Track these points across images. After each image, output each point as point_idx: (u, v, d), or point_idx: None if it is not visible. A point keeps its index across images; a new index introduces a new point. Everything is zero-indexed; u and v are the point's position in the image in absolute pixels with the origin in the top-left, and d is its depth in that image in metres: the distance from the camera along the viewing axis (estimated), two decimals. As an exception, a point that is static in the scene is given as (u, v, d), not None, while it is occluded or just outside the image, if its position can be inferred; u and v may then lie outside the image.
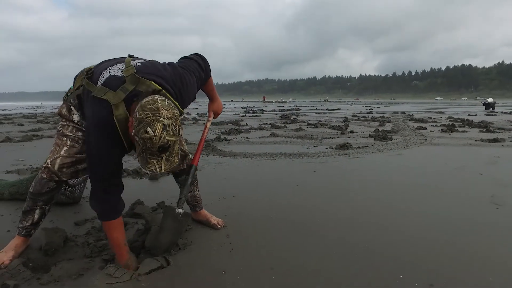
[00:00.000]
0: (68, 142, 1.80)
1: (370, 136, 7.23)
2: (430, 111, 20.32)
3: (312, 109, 24.29)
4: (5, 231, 2.18)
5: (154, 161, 1.44)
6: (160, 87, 1.58)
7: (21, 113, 23.25)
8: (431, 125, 9.84)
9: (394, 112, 18.43)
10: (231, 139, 6.95)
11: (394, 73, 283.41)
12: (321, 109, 24.05)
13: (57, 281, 1.55)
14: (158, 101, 1.44)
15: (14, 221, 2.36)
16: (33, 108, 38.38)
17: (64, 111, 1.84)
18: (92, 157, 1.59)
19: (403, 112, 18.24)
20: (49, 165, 1.79)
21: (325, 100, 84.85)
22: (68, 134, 1.80)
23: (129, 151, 1.66)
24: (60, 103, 1.93)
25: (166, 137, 1.40)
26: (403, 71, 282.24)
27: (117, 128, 1.54)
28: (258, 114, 17.56)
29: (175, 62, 1.86)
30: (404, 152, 5.24)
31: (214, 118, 2.30)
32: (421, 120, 11.67)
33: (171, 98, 1.58)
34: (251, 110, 23.21)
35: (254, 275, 1.64)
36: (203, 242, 1.99)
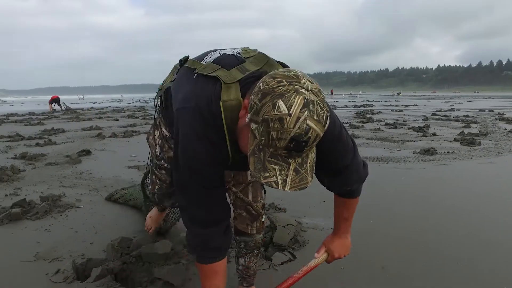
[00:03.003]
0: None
1: (455, 140, 7.02)
2: (523, 109, 18.51)
3: (386, 105, 23.50)
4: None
5: (277, 168, 0.90)
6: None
7: (109, 106, 25.91)
8: (526, 128, 9.12)
9: (480, 110, 17.05)
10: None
11: (480, 63, 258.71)
12: (395, 105, 23.17)
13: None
14: (297, 71, 0.92)
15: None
16: (117, 101, 42.35)
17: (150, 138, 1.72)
18: (179, 171, 1.15)
19: (491, 110, 16.76)
20: None
21: (398, 94, 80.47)
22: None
23: (234, 161, 1.14)
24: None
25: (308, 122, 0.85)
26: (491, 60, 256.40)
27: (222, 121, 1.04)
28: (331, 111, 17.56)
29: None
30: (496, 160, 5.10)
31: (328, 261, 1.53)
32: (514, 121, 10.81)
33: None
34: (322, 105, 23.11)
35: (368, 273, 1.97)
36: (317, 242, 2.35)
